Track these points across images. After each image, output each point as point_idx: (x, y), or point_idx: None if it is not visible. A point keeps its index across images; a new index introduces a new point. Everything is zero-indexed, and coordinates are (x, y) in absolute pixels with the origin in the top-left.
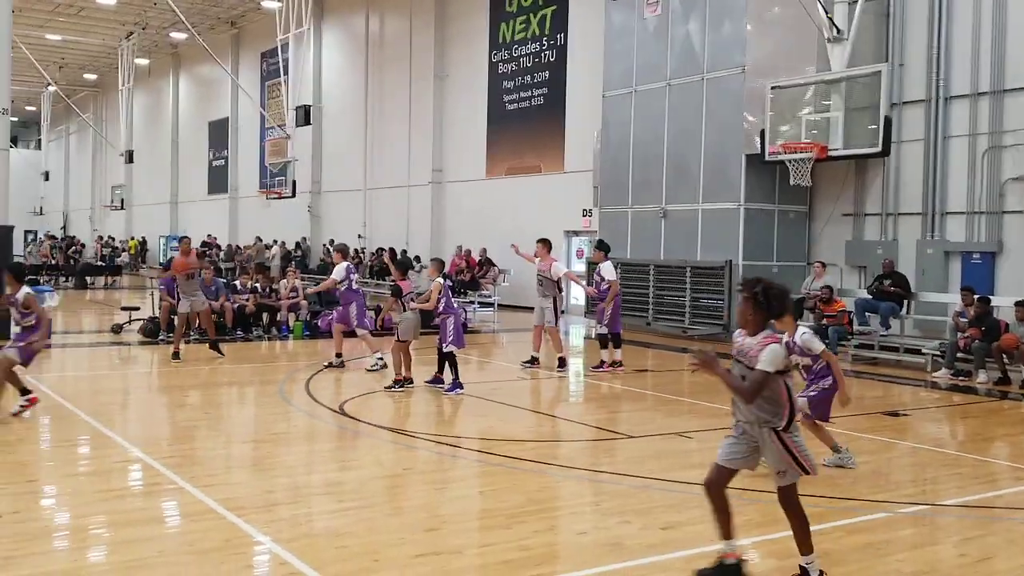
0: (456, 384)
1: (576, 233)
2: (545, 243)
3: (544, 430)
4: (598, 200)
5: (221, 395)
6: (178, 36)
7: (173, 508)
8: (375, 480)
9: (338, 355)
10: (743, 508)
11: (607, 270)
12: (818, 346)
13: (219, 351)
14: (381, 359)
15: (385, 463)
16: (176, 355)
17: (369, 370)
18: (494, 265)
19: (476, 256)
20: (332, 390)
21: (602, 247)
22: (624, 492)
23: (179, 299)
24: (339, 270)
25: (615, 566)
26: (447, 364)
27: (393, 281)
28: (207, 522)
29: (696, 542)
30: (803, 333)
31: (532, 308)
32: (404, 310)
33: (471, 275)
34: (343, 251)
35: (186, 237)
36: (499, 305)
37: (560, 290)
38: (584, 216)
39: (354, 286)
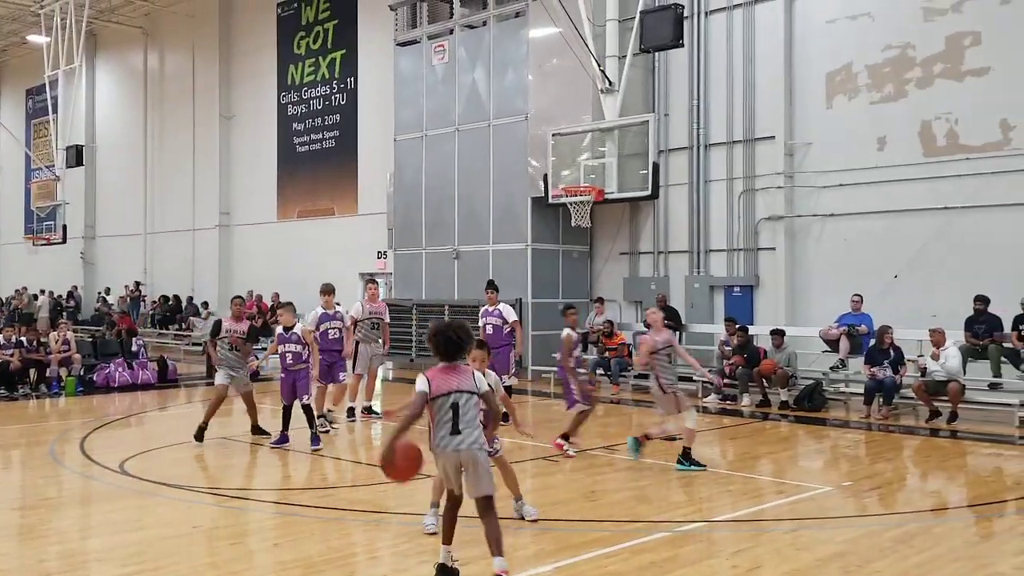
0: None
1: (372, 275)
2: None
3: (343, 476)
4: (393, 242)
5: None
6: None
7: None
8: (161, 541)
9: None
10: (535, 537)
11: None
12: None
13: None
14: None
15: (172, 522)
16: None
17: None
18: None
19: (268, 301)
20: (112, 448)
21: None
22: (421, 532)
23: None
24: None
25: None
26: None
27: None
28: None
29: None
30: None
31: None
32: None
33: (263, 320)
34: (326, 291)
35: (238, 297)
36: None
37: None
38: (379, 258)
39: (332, 336)
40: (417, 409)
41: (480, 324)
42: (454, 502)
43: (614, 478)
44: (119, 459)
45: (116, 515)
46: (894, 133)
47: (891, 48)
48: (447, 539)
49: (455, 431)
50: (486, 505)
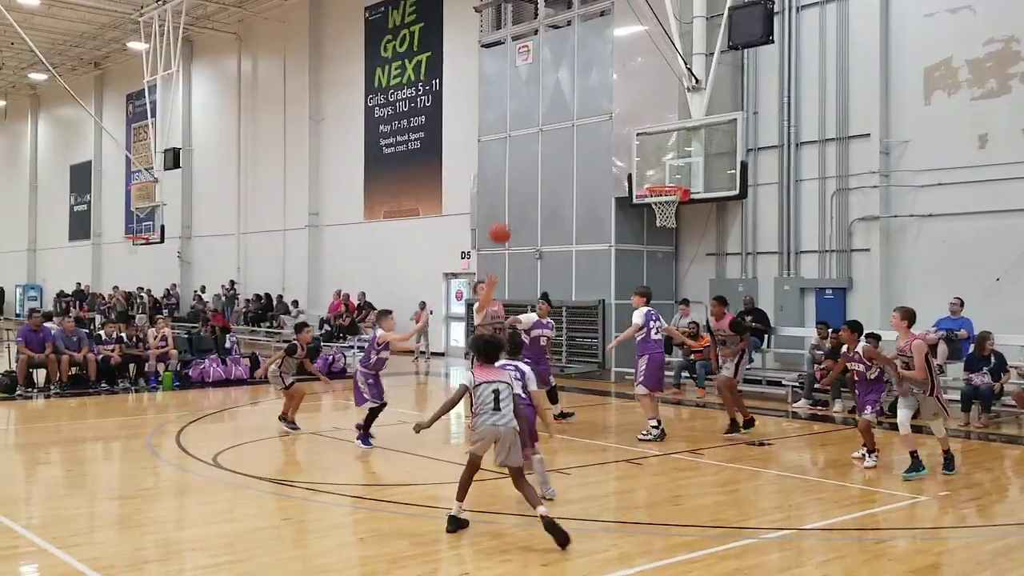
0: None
1: (455, 275)
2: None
3: (427, 473)
4: (476, 242)
5: (85, 451)
6: (37, 77)
7: (33, 572)
8: (251, 533)
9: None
10: (618, 540)
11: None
12: None
13: None
14: (655, 426)
15: (262, 514)
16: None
17: (640, 438)
18: (374, 308)
19: (355, 300)
20: (205, 441)
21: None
22: (506, 531)
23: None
24: (639, 315)
25: None
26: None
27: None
28: None
29: (573, 575)
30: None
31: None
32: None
33: (350, 319)
34: (644, 294)
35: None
36: None
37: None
38: (463, 258)
39: (655, 336)
40: (457, 397)
41: (534, 335)
42: (473, 468)
43: (699, 482)
44: (212, 452)
45: (209, 506)
46: (996, 130)
47: (994, 42)
48: (461, 496)
49: (496, 409)
50: (518, 474)
